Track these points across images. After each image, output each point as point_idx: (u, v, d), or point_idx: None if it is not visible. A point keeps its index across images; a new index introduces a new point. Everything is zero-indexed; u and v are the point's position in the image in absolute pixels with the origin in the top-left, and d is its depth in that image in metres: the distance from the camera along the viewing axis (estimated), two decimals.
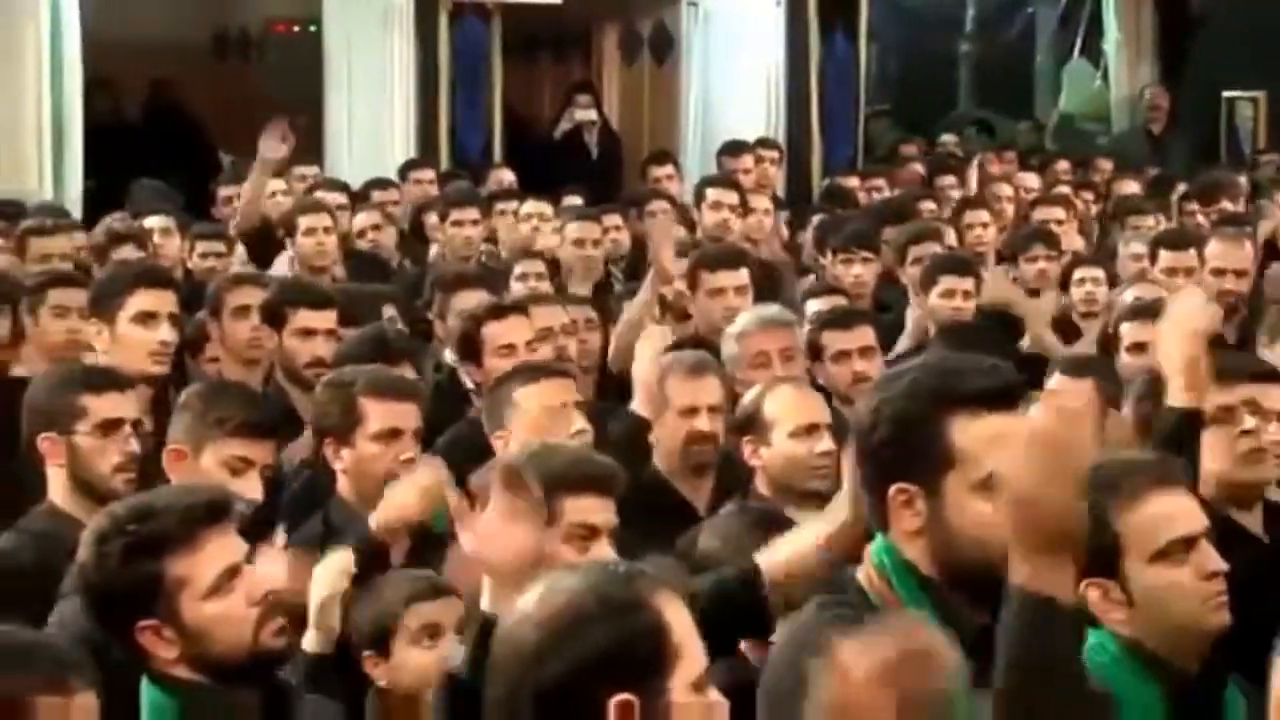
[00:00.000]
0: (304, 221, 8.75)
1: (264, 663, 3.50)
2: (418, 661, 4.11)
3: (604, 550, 3.99)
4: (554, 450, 4.11)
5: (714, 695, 2.54)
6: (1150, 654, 3.47)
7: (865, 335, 6.47)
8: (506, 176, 11.85)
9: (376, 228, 9.56)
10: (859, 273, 8.43)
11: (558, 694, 2.45)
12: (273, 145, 9.11)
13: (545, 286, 7.89)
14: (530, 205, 9.74)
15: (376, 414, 4.91)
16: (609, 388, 6.96)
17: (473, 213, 9.70)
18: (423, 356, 6.50)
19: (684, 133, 14.32)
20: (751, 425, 5.16)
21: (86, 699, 2.81)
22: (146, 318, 5.73)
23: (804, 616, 3.09)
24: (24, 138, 11.87)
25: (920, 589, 3.05)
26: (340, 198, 9.84)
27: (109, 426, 4.70)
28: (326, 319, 6.30)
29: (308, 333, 6.25)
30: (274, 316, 6.33)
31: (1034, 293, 8.62)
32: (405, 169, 11.62)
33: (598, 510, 4.01)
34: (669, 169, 11.72)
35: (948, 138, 15.23)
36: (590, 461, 4.18)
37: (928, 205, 10.68)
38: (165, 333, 5.76)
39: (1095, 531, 3.12)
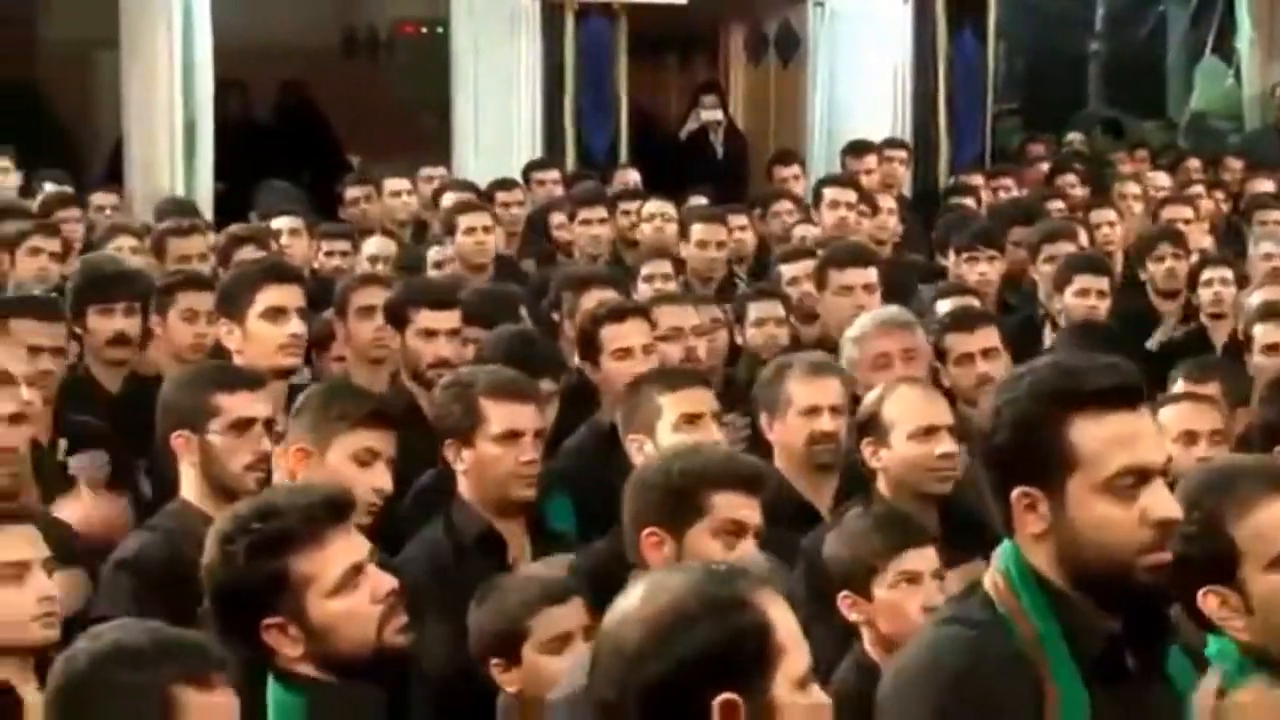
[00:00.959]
0: (464, 221, 8.86)
1: (387, 660, 3.52)
2: (548, 668, 4.07)
3: (750, 549, 4.00)
4: (701, 448, 4.10)
5: (817, 694, 2.54)
6: (1273, 660, 3.42)
7: (989, 337, 6.42)
8: (631, 176, 11.88)
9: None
10: (983, 271, 8.38)
11: (662, 693, 2.46)
12: None
13: (673, 287, 7.89)
14: (653, 205, 9.75)
15: (497, 415, 4.91)
16: (734, 390, 6.94)
17: (600, 211, 9.75)
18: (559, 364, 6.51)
19: (809, 133, 14.28)
20: (871, 427, 5.13)
21: (227, 696, 2.85)
22: (275, 313, 5.76)
23: (931, 625, 3.08)
24: (156, 139, 12.04)
25: (1045, 596, 3.00)
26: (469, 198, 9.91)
27: (241, 425, 4.73)
28: (449, 319, 6.33)
29: (430, 333, 6.29)
30: (396, 317, 6.37)
31: (1164, 294, 8.55)
32: (529, 170, 11.68)
33: (745, 507, 4.04)
34: (794, 169, 11.71)
35: (1075, 136, 15.10)
36: (739, 459, 4.19)
37: (1056, 204, 10.60)
38: (294, 326, 5.79)
39: (1212, 538, 3.08)
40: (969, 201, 11.25)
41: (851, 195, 9.84)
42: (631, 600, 2.52)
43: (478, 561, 4.74)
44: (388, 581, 3.51)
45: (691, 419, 5.07)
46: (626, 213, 9.97)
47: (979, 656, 2.94)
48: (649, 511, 4.10)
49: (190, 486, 4.76)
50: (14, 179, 10.70)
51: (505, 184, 10.92)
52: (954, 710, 2.91)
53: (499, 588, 4.25)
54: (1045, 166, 12.85)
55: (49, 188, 10.63)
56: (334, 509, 3.51)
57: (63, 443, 5.72)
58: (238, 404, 4.77)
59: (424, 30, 16.04)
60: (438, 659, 4.39)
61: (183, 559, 4.47)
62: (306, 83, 15.19)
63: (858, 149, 12.01)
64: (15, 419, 4.97)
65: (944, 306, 7.21)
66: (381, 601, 3.49)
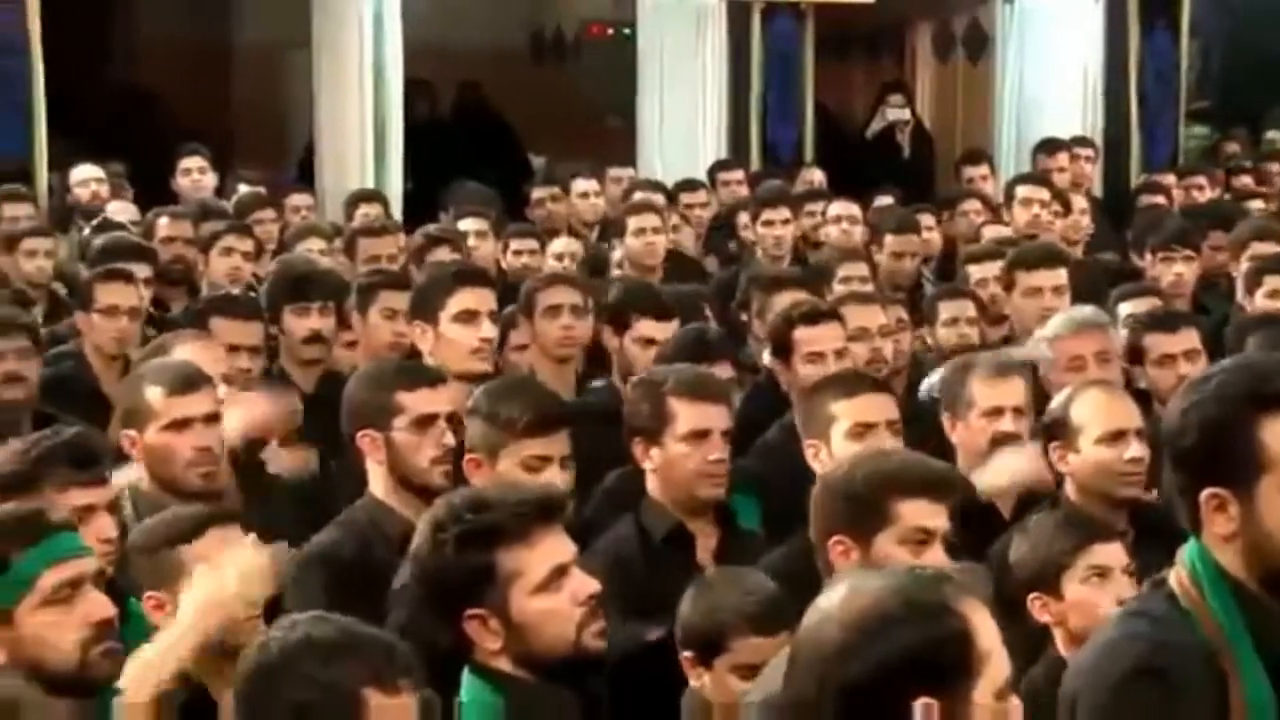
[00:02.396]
0: (633, 222, 8.90)
1: (583, 664, 3.54)
2: (736, 688, 4.00)
3: (938, 555, 3.96)
4: (886, 454, 4.07)
5: (1016, 706, 2.52)
6: None
7: (1190, 338, 6.34)
8: (816, 176, 11.86)
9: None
10: (1180, 271, 8.27)
11: (860, 694, 2.45)
12: None
13: (868, 290, 7.85)
14: (839, 207, 9.71)
15: (686, 414, 4.91)
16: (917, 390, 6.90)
17: (784, 212, 9.73)
18: (740, 357, 6.52)
19: (997, 132, 14.15)
20: (1059, 430, 5.07)
21: (410, 699, 2.88)
22: (468, 316, 5.82)
23: (1113, 619, 3.06)
24: (347, 139, 12.21)
25: (1232, 595, 2.99)
26: (658, 198, 9.94)
27: (424, 422, 4.79)
28: (666, 330, 6.36)
29: (648, 342, 6.33)
30: (615, 319, 6.42)
31: None
32: (713, 170, 11.69)
33: (932, 514, 4.01)
34: (983, 168, 11.62)
35: (1274, 135, 14.82)
36: (925, 465, 4.16)
37: (1256, 204, 10.43)
38: (486, 330, 5.84)
39: None
40: (1160, 201, 11.09)
41: (1045, 194, 9.74)
42: (832, 600, 2.52)
43: (667, 559, 4.75)
44: (590, 585, 3.55)
45: (865, 428, 5.03)
46: (811, 213, 9.94)
47: (1160, 647, 2.94)
48: (835, 519, 4.08)
49: (378, 483, 4.82)
50: (209, 180, 10.90)
51: (690, 185, 10.95)
52: (1135, 700, 2.90)
53: (713, 587, 4.19)
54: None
55: (243, 189, 10.82)
56: (545, 509, 3.56)
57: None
58: (419, 401, 4.83)
59: (610, 31, 16.10)
60: (620, 655, 4.41)
61: (372, 555, 4.57)
62: (489, 83, 15.31)
63: (1050, 147, 11.90)
64: (212, 418, 5.06)
65: (1127, 308, 7.12)
66: (583, 604, 3.52)
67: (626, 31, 14.35)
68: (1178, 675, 2.92)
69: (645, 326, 6.37)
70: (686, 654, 4.12)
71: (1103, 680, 2.96)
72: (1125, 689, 2.92)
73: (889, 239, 8.87)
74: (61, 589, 3.46)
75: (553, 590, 3.49)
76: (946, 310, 7.31)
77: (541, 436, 4.77)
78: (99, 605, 3.49)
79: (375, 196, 10.68)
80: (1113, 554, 4.29)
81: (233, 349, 6.08)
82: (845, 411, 5.07)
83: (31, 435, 4.57)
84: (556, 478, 4.71)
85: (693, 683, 4.13)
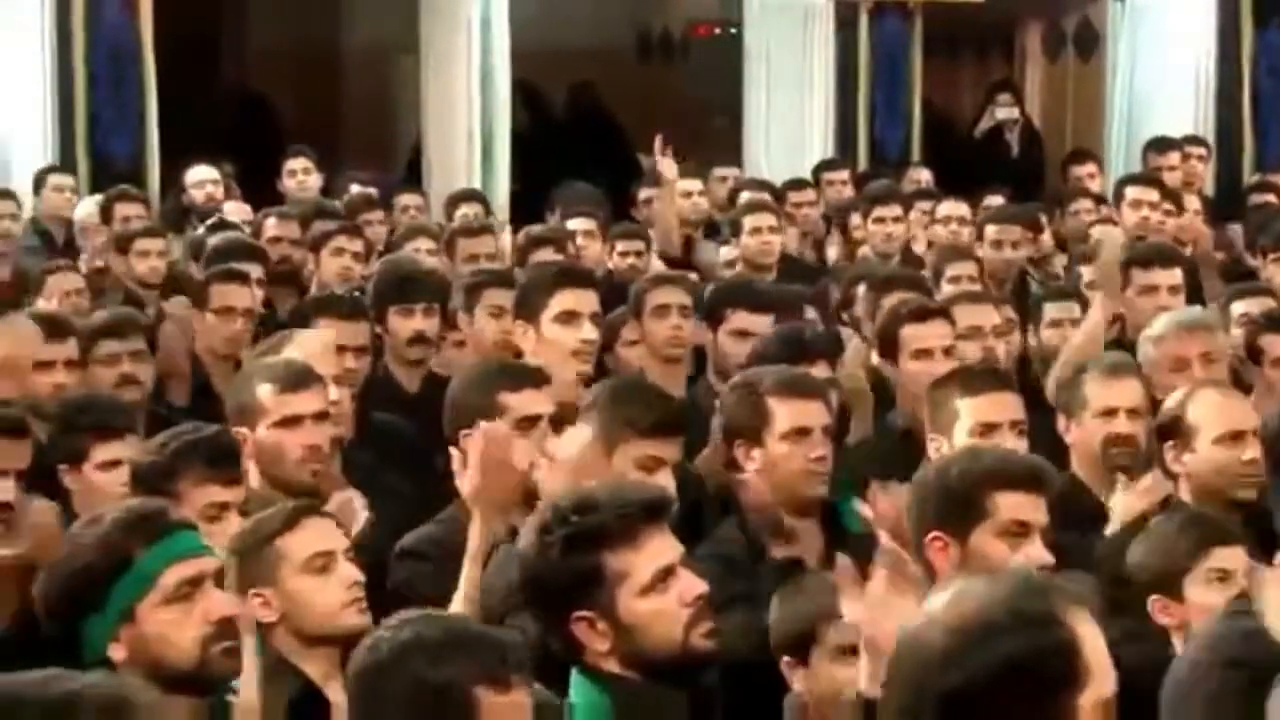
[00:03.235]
0: (749, 221, 8.90)
1: (692, 664, 3.53)
2: (835, 675, 4.05)
3: (1036, 549, 3.95)
4: (981, 449, 4.04)
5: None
6: None
7: None
8: (924, 175, 11.79)
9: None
10: None
11: (960, 702, 2.42)
12: (668, 164, 9.34)
13: (977, 289, 7.79)
14: (949, 207, 9.64)
15: (784, 413, 4.88)
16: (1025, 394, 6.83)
17: (894, 210, 9.68)
18: (838, 356, 6.49)
19: (1109, 130, 14.04)
20: (1174, 431, 5.02)
21: (523, 696, 2.88)
22: (569, 317, 5.79)
23: (1217, 618, 3.03)
24: (455, 142, 12.26)
25: None
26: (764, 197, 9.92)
27: (527, 423, 4.79)
28: (762, 324, 6.35)
29: (744, 334, 6.31)
30: (711, 313, 6.40)
31: None
32: (818, 170, 11.65)
33: (1029, 507, 3.98)
34: (1090, 167, 11.52)
35: None
36: (1022, 458, 4.13)
37: None
38: (587, 331, 5.81)
39: None
40: (1271, 200, 10.95)
41: (1154, 195, 9.63)
42: (937, 605, 2.49)
43: (772, 561, 4.73)
44: (698, 585, 3.53)
45: (988, 428, 4.99)
46: (923, 212, 9.89)
47: (1259, 642, 2.90)
48: (931, 515, 4.06)
49: None
50: (314, 180, 10.97)
51: (798, 184, 10.92)
52: (1231, 695, 2.88)
53: (800, 587, 4.23)
54: None
55: (354, 189, 10.89)
56: (652, 509, 3.54)
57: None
58: (522, 402, 4.83)
59: (717, 31, 16.09)
60: (729, 658, 4.40)
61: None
62: (596, 84, 15.34)
63: (1161, 146, 11.77)
64: (321, 417, 5.08)
65: (1241, 307, 7.02)
66: (690, 604, 3.51)
67: (733, 31, 14.33)
68: (1272, 673, 2.88)
69: (740, 318, 6.34)
70: (784, 659, 4.13)
71: (1199, 673, 2.94)
72: (1221, 683, 2.91)
73: (989, 229, 8.83)
74: (182, 587, 3.49)
75: (660, 591, 3.48)
76: (1051, 311, 7.25)
77: (661, 439, 4.74)
78: (219, 603, 3.52)
79: (475, 196, 10.71)
80: (1235, 557, 4.24)
81: (339, 349, 6.10)
82: (969, 410, 5.05)
83: (170, 430, 4.63)
84: (668, 481, 4.69)
85: (796, 686, 4.13)
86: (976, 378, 5.28)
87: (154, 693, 2.62)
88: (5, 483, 4.69)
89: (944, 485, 4.06)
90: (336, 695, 3.77)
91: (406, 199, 10.75)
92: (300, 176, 10.86)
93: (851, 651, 4.01)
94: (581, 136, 14.66)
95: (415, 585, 4.54)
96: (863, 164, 12.74)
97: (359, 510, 4.72)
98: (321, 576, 3.98)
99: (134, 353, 6.36)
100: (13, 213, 9.41)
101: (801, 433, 4.87)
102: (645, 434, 4.72)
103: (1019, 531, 3.97)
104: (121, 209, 9.58)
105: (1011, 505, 3.95)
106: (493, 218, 10.20)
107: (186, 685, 3.46)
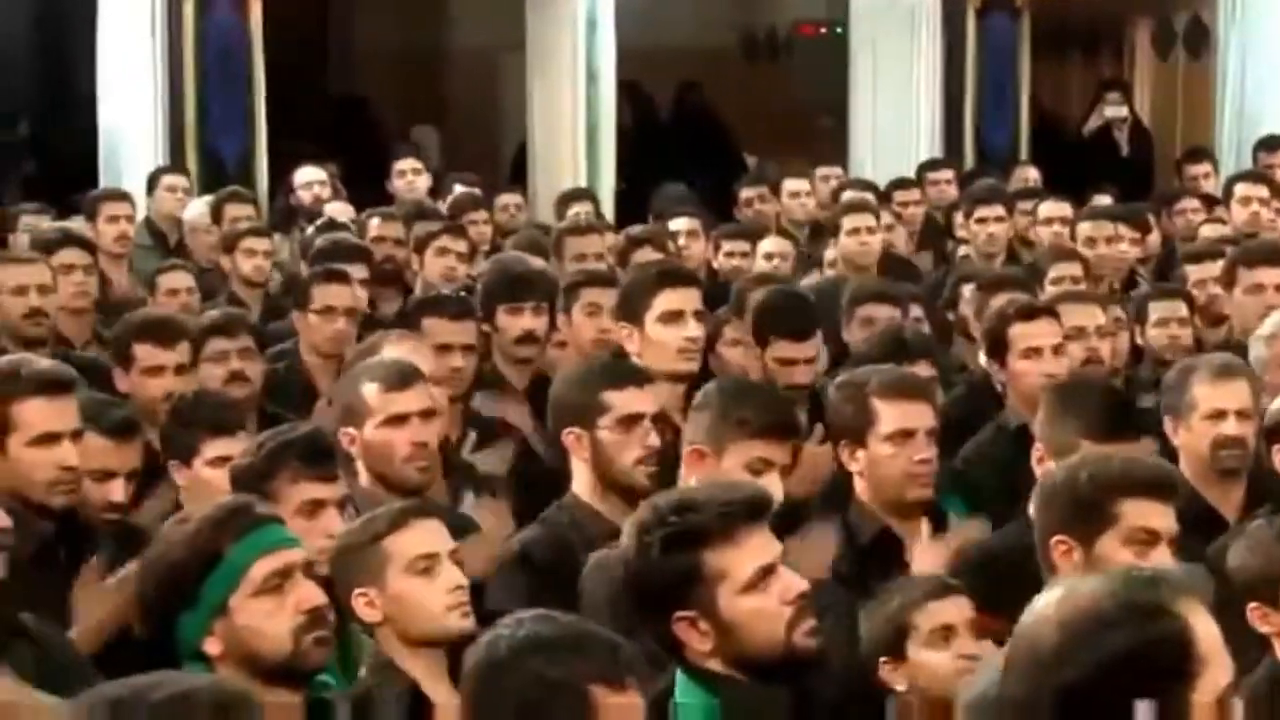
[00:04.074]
0: (848, 221, 8.87)
1: (795, 663, 3.53)
2: (934, 661, 4.06)
3: (1165, 557, 3.91)
4: (1110, 454, 4.02)
5: (1237, 706, 2.47)
6: None
7: None
8: (1031, 174, 11.71)
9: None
10: None
11: (1076, 697, 2.41)
12: None
13: (1082, 289, 7.73)
14: (1051, 207, 9.55)
15: (889, 414, 4.86)
16: (1135, 392, 6.78)
17: (997, 209, 9.61)
18: (943, 356, 6.47)
19: (1219, 129, 13.88)
20: None
21: (637, 697, 2.89)
22: (672, 316, 5.79)
23: None
24: (560, 142, 12.30)
25: None
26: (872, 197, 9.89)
27: (630, 421, 4.80)
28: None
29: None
30: (756, 337, 6.41)
31: None
32: (922, 169, 11.59)
33: (1157, 514, 3.96)
34: (1205, 167, 11.41)
35: None
36: (1149, 464, 4.09)
37: None
38: (692, 329, 5.81)
39: None
40: None
41: (1264, 191, 9.53)
42: (1049, 602, 2.48)
43: (875, 563, 4.71)
44: (799, 584, 3.53)
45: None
46: (1025, 212, 9.82)
47: None
48: (1057, 520, 4.04)
49: (581, 482, 4.84)
50: (423, 181, 11.02)
51: (903, 183, 10.87)
52: None
53: (885, 591, 4.24)
54: None
55: (459, 189, 10.94)
56: (751, 508, 3.55)
57: (471, 436, 5.88)
58: (626, 400, 4.84)
59: (822, 30, 16.05)
60: (833, 662, 4.38)
61: (572, 554, 4.57)
62: (704, 84, 15.34)
63: (1272, 144, 11.64)
64: (427, 414, 5.11)
65: None
66: (791, 603, 3.50)
67: (839, 30, 14.29)
68: None
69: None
70: (882, 663, 4.12)
71: None
72: None
73: (1083, 226, 8.77)
74: (271, 579, 3.53)
75: (760, 590, 3.48)
76: (1157, 310, 7.19)
77: (772, 441, 4.72)
78: (310, 593, 3.55)
79: (585, 195, 10.74)
80: None
81: (445, 348, 6.13)
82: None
83: (268, 430, 4.68)
84: (775, 485, 4.67)
85: (898, 688, 4.11)
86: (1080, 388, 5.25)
87: (262, 691, 2.64)
88: (115, 483, 4.77)
89: (1073, 489, 4.03)
90: (440, 697, 3.78)
91: (506, 197, 10.78)
92: (410, 177, 10.92)
93: (946, 632, 4.02)
94: (687, 136, 14.67)
95: (513, 594, 4.54)
96: (969, 163, 12.67)
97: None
98: (425, 578, 3.99)
99: (242, 350, 6.42)
100: (129, 214, 9.51)
101: (906, 434, 4.85)
102: (756, 435, 4.70)
103: (1146, 539, 3.94)
104: (231, 210, 9.65)
105: (1140, 512, 3.92)
106: (602, 217, 10.21)
107: (281, 676, 3.49)
